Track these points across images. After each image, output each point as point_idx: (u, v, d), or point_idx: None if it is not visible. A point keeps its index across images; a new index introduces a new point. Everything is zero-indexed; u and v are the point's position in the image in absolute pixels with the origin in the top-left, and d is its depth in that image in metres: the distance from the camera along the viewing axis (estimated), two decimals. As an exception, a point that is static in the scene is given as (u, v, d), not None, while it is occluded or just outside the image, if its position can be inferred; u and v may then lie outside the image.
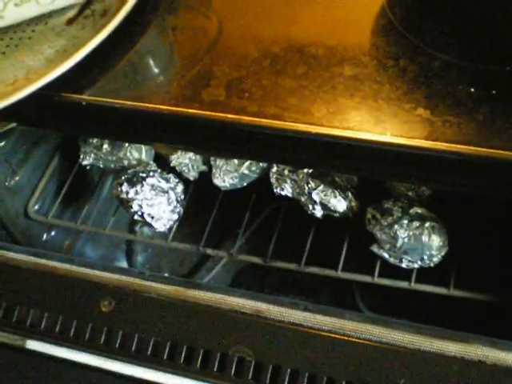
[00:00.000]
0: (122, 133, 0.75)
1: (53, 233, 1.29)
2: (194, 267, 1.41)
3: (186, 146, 0.76)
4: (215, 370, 0.67)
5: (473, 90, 0.66)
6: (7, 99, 0.73)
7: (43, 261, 0.82)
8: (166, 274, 1.41)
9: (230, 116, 0.67)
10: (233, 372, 0.67)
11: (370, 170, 0.69)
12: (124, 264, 1.43)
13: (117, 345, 0.70)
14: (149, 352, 0.69)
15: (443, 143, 0.62)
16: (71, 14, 0.81)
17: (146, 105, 0.69)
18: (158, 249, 1.40)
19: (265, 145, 0.69)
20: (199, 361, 0.68)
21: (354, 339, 0.69)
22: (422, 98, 0.66)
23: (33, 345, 0.72)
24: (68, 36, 0.78)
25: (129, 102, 0.70)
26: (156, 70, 0.75)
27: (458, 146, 0.62)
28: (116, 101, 0.70)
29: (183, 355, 0.69)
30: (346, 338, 0.68)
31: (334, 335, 0.69)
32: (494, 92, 0.66)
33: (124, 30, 0.76)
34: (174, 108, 0.69)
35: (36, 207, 1.22)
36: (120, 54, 0.75)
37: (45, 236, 1.27)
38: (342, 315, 0.74)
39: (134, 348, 0.70)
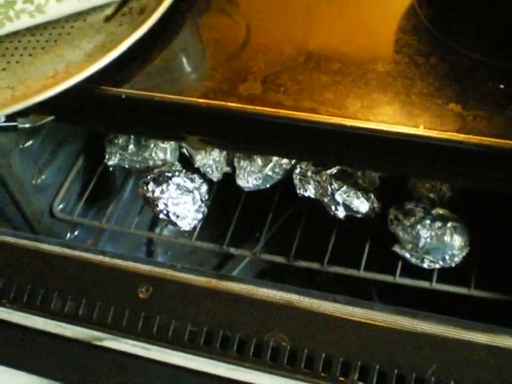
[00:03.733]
0: (159, 127, 0.77)
1: (76, 232, 1.31)
2: (215, 267, 1.42)
3: (222, 140, 0.77)
4: (251, 355, 0.69)
5: (502, 86, 0.68)
6: (48, 92, 0.75)
7: (76, 252, 0.84)
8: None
9: (266, 109, 0.69)
10: (268, 357, 0.69)
11: (404, 164, 0.71)
12: (144, 266, 1.44)
13: (154, 331, 0.72)
14: (186, 338, 0.70)
15: (475, 136, 0.64)
16: (109, 11, 0.83)
17: (185, 98, 0.71)
18: (177, 251, 1.42)
19: (300, 139, 0.71)
20: (235, 347, 0.70)
21: (385, 326, 0.70)
22: (453, 93, 0.68)
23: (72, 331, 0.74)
24: (106, 32, 0.80)
25: (168, 96, 0.72)
26: (192, 67, 0.78)
27: (490, 139, 0.64)
28: (155, 94, 0.72)
29: (219, 341, 0.71)
30: (378, 324, 0.70)
31: (366, 321, 0.70)
32: (523, 88, 0.68)
33: (161, 28, 0.78)
34: (212, 101, 0.71)
35: (61, 206, 1.24)
36: (157, 51, 0.77)
37: (68, 235, 1.29)
38: (372, 306, 0.76)
39: (170, 334, 0.72)
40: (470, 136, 0.64)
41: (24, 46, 0.81)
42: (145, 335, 0.72)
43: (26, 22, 0.81)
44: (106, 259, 0.83)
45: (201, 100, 0.71)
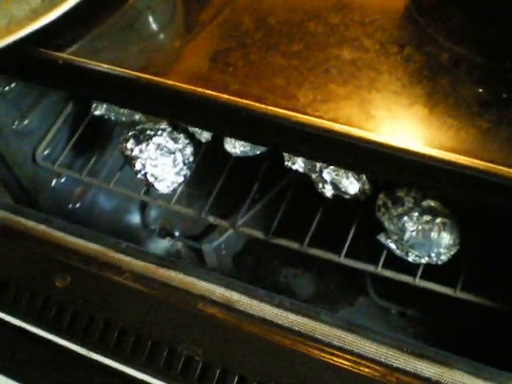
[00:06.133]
0: (100, 97, 0.69)
1: (63, 179, 1.26)
2: (205, 229, 1.37)
3: (163, 116, 0.69)
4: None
5: (481, 90, 0.58)
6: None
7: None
8: (176, 233, 1.37)
9: (208, 92, 0.61)
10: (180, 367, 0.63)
11: (352, 165, 0.62)
12: (136, 218, 1.40)
13: (66, 323, 0.66)
14: (97, 335, 0.65)
15: (433, 149, 0.55)
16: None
17: (122, 70, 0.64)
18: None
19: (243, 125, 0.63)
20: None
21: (319, 349, 0.63)
22: (422, 93, 0.59)
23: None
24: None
25: (106, 65, 0.64)
26: (140, 34, 0.69)
27: (454, 155, 0.55)
28: (92, 63, 0.64)
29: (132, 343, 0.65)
30: (309, 351, 0.63)
31: (296, 341, 0.63)
32: (504, 96, 0.57)
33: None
34: (149, 77, 0.63)
35: (45, 153, 1.19)
36: (105, 13, 0.69)
37: (54, 182, 1.24)
38: (317, 316, 0.69)
39: (83, 327, 0.66)
40: (427, 148, 0.55)
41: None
42: (57, 326, 0.66)
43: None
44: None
45: (139, 74, 0.63)
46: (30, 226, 0.79)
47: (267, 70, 0.60)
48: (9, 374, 0.65)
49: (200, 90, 0.60)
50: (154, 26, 0.70)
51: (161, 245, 1.37)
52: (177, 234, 1.38)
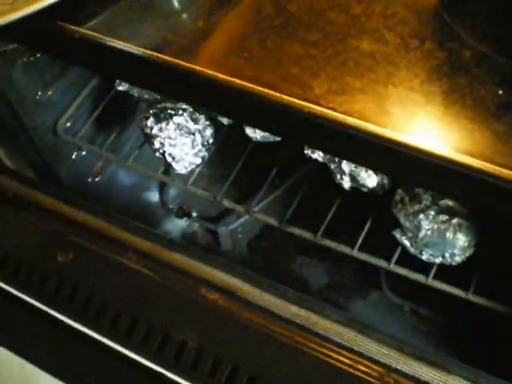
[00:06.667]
0: (117, 74, 0.69)
1: (84, 152, 1.26)
2: (223, 211, 1.36)
3: (173, 97, 0.68)
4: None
5: (501, 92, 0.56)
6: (3, 18, 0.68)
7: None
8: (193, 214, 1.36)
9: (220, 76, 0.60)
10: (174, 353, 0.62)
11: (363, 163, 0.61)
12: (155, 196, 1.39)
13: (65, 298, 0.66)
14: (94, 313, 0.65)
15: (449, 151, 0.53)
16: None
17: (138, 48, 0.63)
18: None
19: (255, 111, 0.62)
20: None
21: (318, 344, 0.62)
22: (439, 91, 0.57)
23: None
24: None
25: (121, 43, 0.63)
26: (159, 12, 0.68)
27: (466, 157, 0.53)
28: (107, 38, 0.64)
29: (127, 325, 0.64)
30: (305, 348, 0.62)
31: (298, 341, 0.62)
32: (524, 99, 0.55)
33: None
34: (165, 57, 0.62)
35: (67, 125, 1.19)
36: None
37: (74, 155, 1.24)
38: (321, 311, 0.68)
39: (82, 304, 0.66)
40: (440, 150, 0.53)
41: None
42: (54, 301, 0.66)
43: None
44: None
45: (155, 54, 0.62)
46: (40, 199, 0.79)
47: (283, 58, 0.59)
48: (6, 345, 0.66)
49: (212, 72, 0.58)
50: (176, 5, 0.69)
51: (178, 225, 1.37)
52: (194, 214, 1.37)
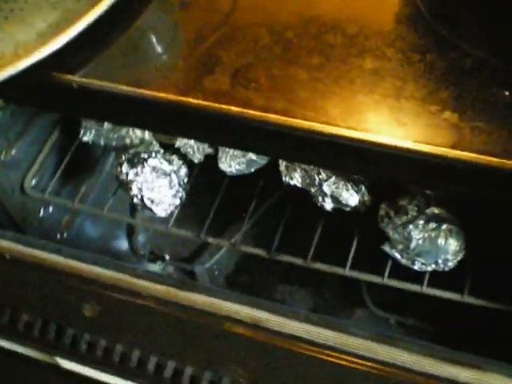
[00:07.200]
0: (115, 118, 0.68)
1: (50, 209, 1.23)
2: (196, 250, 1.35)
3: (185, 136, 0.68)
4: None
5: (507, 93, 0.59)
6: (-6, 75, 0.66)
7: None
8: (166, 256, 1.35)
9: (233, 108, 0.60)
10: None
11: (388, 175, 0.62)
12: (124, 244, 1.37)
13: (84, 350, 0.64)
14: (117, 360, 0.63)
15: (471, 154, 0.55)
16: (68, -17, 0.73)
17: (142, 91, 0.62)
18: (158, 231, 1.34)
19: (271, 141, 0.62)
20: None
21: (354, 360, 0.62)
22: (449, 99, 0.59)
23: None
24: (62, 9, 0.71)
25: (124, 87, 0.63)
26: (157, 51, 0.68)
27: (487, 157, 0.55)
28: (110, 85, 0.63)
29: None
30: (346, 362, 0.62)
31: (331, 356, 0.62)
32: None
33: (123, 5, 0.69)
34: (172, 96, 0.62)
35: (33, 182, 1.16)
36: (118, 32, 0.68)
37: (42, 212, 1.22)
38: (346, 329, 0.68)
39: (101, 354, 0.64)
40: (466, 154, 0.55)
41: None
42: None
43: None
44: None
45: (160, 94, 0.62)
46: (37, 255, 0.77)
47: (291, 84, 0.60)
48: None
49: (225, 106, 0.59)
50: (160, 47, 0.69)
51: (151, 269, 1.34)
52: (167, 257, 1.35)
